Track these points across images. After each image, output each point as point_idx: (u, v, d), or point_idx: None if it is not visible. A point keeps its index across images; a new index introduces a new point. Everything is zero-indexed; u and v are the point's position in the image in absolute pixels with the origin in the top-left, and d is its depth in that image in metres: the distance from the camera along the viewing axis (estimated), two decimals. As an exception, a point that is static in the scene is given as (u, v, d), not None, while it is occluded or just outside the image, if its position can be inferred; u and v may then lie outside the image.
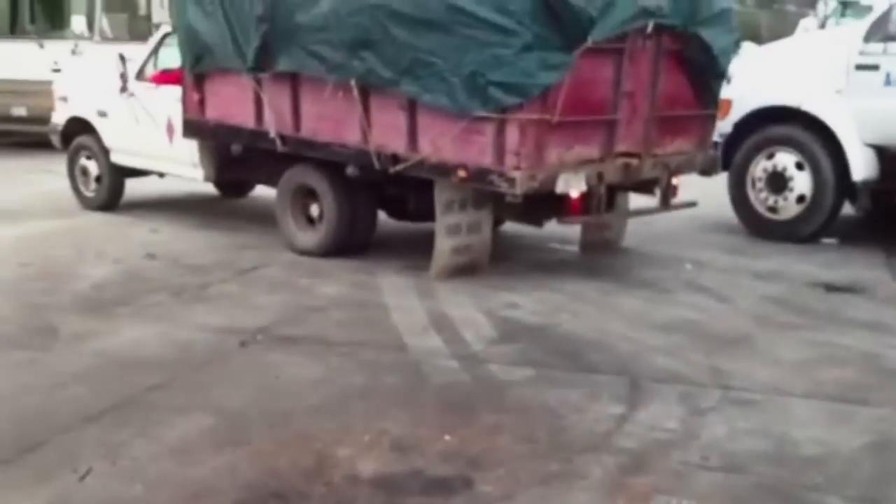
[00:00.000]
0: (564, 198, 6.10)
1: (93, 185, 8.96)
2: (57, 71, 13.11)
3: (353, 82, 6.34)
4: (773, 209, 8.01)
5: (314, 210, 7.18)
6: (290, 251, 7.21)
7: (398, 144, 6.30)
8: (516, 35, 5.64)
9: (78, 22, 13.50)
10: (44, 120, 12.22)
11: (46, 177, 10.73)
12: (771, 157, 7.98)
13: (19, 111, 13.60)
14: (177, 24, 7.87)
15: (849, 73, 7.57)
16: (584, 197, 6.14)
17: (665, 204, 6.80)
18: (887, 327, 5.60)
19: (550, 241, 7.63)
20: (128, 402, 4.33)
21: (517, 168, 5.78)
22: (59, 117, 9.33)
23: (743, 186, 8.11)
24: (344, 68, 6.38)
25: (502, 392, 4.53)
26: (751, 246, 7.83)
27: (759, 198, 8.06)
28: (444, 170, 6.11)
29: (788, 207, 7.93)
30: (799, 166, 7.85)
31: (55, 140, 9.43)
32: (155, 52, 8.53)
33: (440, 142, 6.05)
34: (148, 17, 14.35)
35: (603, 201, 6.28)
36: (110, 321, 5.54)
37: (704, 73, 6.65)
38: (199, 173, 8.09)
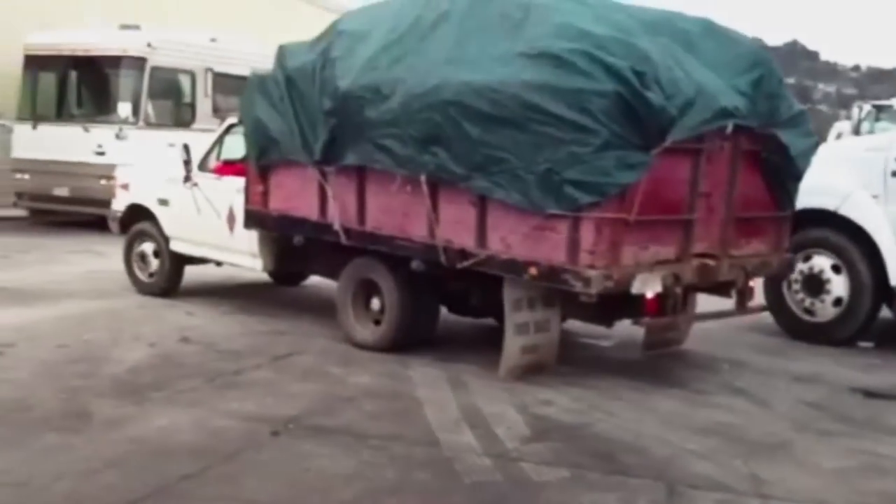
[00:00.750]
0: (638, 298, 5.93)
1: (151, 271, 9.05)
2: (101, 154, 13.47)
3: (422, 177, 6.32)
4: (809, 311, 7.97)
5: (375, 304, 7.11)
6: (350, 345, 7.14)
7: (466, 240, 6.23)
8: (594, 133, 5.54)
9: (124, 108, 13.91)
10: (84, 200, 12.55)
11: (86, 257, 10.94)
12: (808, 259, 7.98)
13: (61, 191, 13.94)
14: (243, 117, 8.00)
15: (886, 179, 7.63)
16: (660, 297, 6.00)
17: (742, 306, 6.70)
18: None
19: (584, 337, 7.60)
20: (160, 492, 4.30)
21: (592, 267, 5.65)
22: (120, 204, 9.50)
23: (780, 288, 8.07)
24: (414, 163, 6.36)
25: (535, 494, 4.45)
26: (788, 347, 7.78)
27: (796, 299, 8.03)
28: (515, 267, 5.99)
29: (825, 310, 7.88)
30: (836, 269, 7.84)
31: (114, 226, 9.59)
32: (219, 142, 8.68)
33: (511, 238, 5.99)
34: (192, 104, 14.73)
35: (679, 302, 6.14)
36: (145, 406, 5.55)
37: (781, 174, 6.63)
38: (258, 263, 8.13)
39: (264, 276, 9.31)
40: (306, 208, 7.31)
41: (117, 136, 13.65)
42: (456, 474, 4.65)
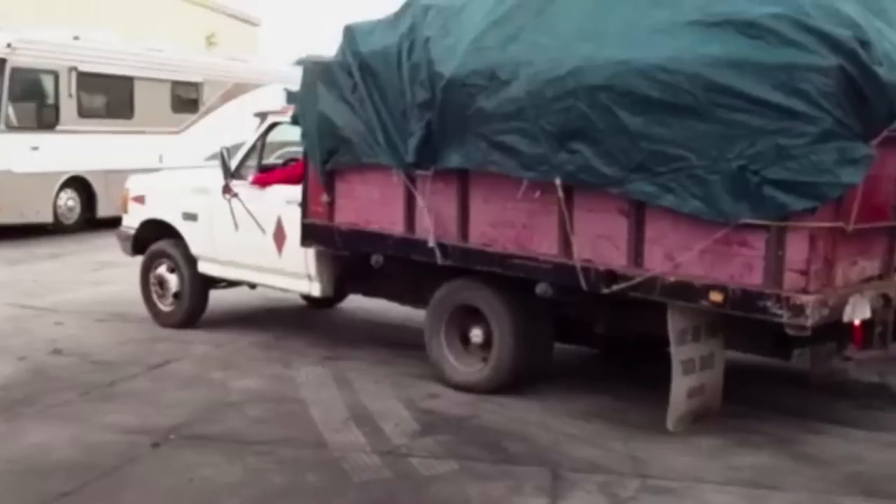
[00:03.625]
0: (842, 327, 4.83)
1: (171, 299, 7.79)
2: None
3: (557, 181, 5.19)
4: None
5: (476, 335, 6.03)
6: (446, 385, 6.08)
7: (615, 258, 5.13)
8: (811, 120, 4.40)
9: (-17, 110, 13.24)
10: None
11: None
12: None
13: None
14: (301, 113, 6.68)
15: None
16: (865, 325, 4.93)
17: None
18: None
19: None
20: (35, 513, 4.14)
21: (804, 291, 4.54)
22: (133, 220, 8.11)
23: None
24: (546, 164, 5.21)
25: (425, 488, 4.48)
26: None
27: None
28: (688, 291, 4.87)
29: None
30: None
31: (125, 246, 8.22)
32: (258, 147, 7.47)
33: (680, 256, 4.87)
34: (55, 105, 14.14)
35: (890, 330, 5.02)
36: (16, 423, 5.32)
37: None
38: (314, 287, 6.93)
39: (297, 299, 8.30)
40: (387, 221, 6.20)
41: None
42: (345, 474, 4.63)
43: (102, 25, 17.22)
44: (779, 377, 6.22)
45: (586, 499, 4.36)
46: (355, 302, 7.69)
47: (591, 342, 6.56)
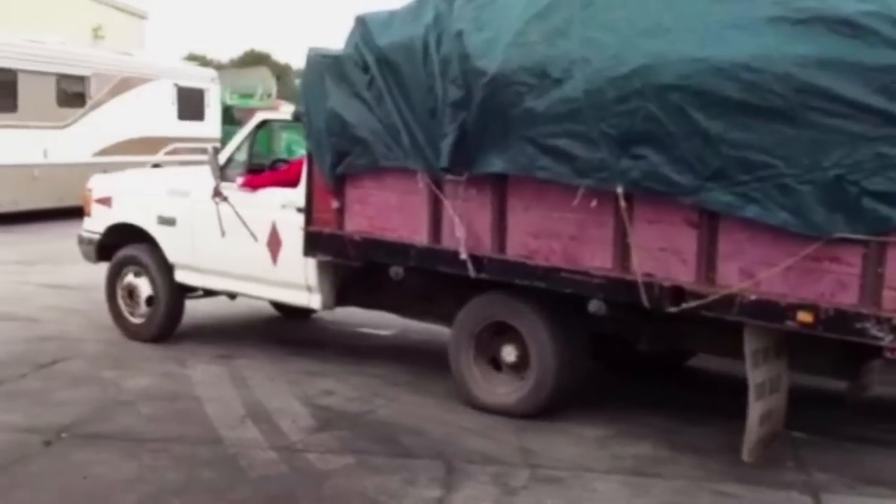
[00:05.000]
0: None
1: (143, 310, 7.17)
2: None
3: (618, 189, 4.79)
4: None
5: (509, 354, 5.63)
6: (472, 407, 5.71)
7: (682, 273, 4.77)
8: None
9: None
10: None
11: None
12: None
13: None
14: (305, 111, 6.13)
15: None
16: None
17: None
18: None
19: (363, 326, 7.76)
20: (-81, 514, 4.04)
21: None
22: (97, 223, 7.47)
23: None
24: (606, 170, 4.80)
25: (321, 482, 4.56)
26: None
27: None
28: (771, 311, 4.51)
29: None
30: None
31: (87, 251, 7.56)
32: (246, 146, 6.89)
33: (761, 272, 4.51)
34: None
35: None
36: None
37: None
38: (314, 300, 6.44)
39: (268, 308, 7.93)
40: (408, 230, 5.74)
41: None
42: (241, 470, 4.67)
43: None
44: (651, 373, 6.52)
45: (479, 489, 4.51)
46: (248, 300, 7.65)
47: (619, 359, 6.27)
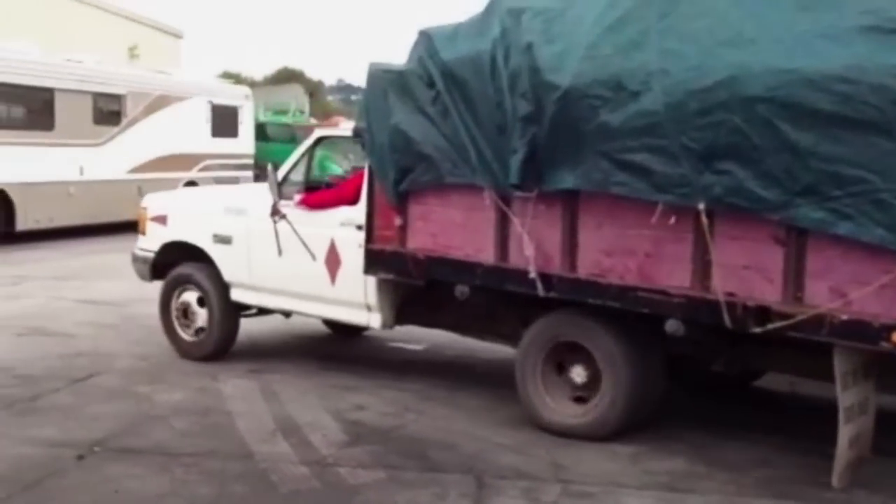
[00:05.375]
0: None
1: (197, 328, 7.13)
2: None
3: (700, 205, 4.65)
4: None
5: (578, 375, 5.48)
6: (540, 428, 5.55)
7: (767, 293, 4.61)
8: None
9: None
10: None
11: None
12: None
13: None
14: (367, 126, 6.07)
15: None
16: None
17: None
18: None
19: (394, 341, 7.76)
20: (-45, 527, 4.09)
21: None
22: (152, 242, 7.43)
23: None
24: (687, 185, 4.66)
25: (352, 497, 4.54)
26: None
27: None
28: (865, 331, 4.33)
29: None
30: None
31: (142, 270, 7.53)
32: (304, 163, 6.80)
33: (853, 290, 4.35)
34: None
35: None
36: (-66, 438, 5.22)
37: None
38: (374, 319, 6.36)
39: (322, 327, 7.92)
40: (473, 248, 5.65)
41: None
42: (272, 484, 4.66)
43: (22, 36, 16.90)
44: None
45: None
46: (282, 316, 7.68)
47: (689, 379, 6.10)
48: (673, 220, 4.77)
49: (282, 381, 6.56)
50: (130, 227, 9.41)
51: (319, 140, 6.86)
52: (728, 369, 5.60)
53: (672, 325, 4.97)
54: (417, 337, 7.48)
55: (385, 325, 6.40)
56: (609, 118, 4.86)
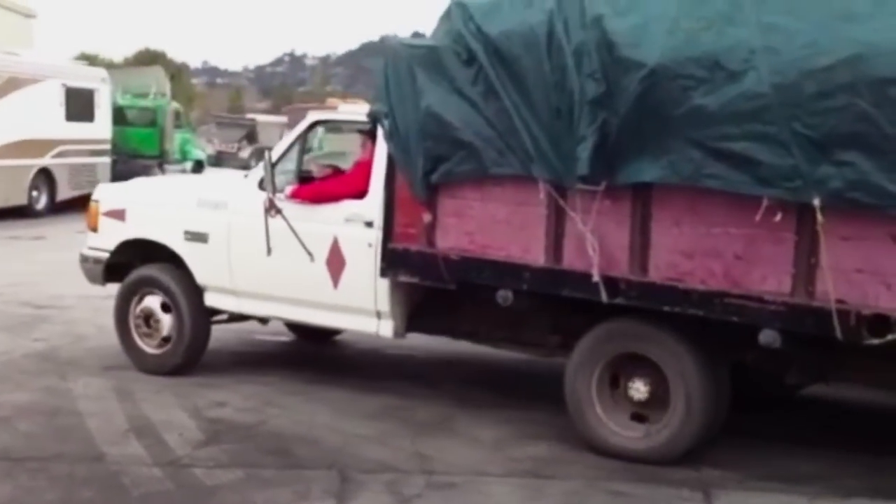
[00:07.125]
0: None
1: (162, 338, 6.34)
2: None
3: (815, 201, 4.15)
4: None
5: (639, 390, 4.95)
6: (596, 452, 5.03)
7: (885, 299, 4.15)
8: None
9: None
10: None
11: None
12: None
13: None
14: (389, 109, 5.38)
15: None
16: None
17: None
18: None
19: (260, 333, 7.55)
20: None
21: None
22: (105, 240, 6.54)
23: None
24: (798, 178, 4.17)
25: (207, 498, 4.40)
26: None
27: None
28: None
29: None
30: None
31: (92, 272, 6.63)
32: (296, 151, 6.12)
33: None
34: None
35: None
36: None
37: None
38: (385, 326, 5.70)
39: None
40: (518, 248, 5.04)
41: None
42: (123, 488, 4.48)
43: None
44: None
45: (373, 499, 4.42)
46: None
47: (769, 390, 5.55)
48: (779, 216, 4.27)
49: (137, 378, 6.28)
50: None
51: (314, 124, 6.24)
52: (802, 381, 5.14)
53: (768, 337, 4.44)
54: (282, 328, 7.30)
55: (397, 334, 5.77)
56: (704, 101, 4.33)
